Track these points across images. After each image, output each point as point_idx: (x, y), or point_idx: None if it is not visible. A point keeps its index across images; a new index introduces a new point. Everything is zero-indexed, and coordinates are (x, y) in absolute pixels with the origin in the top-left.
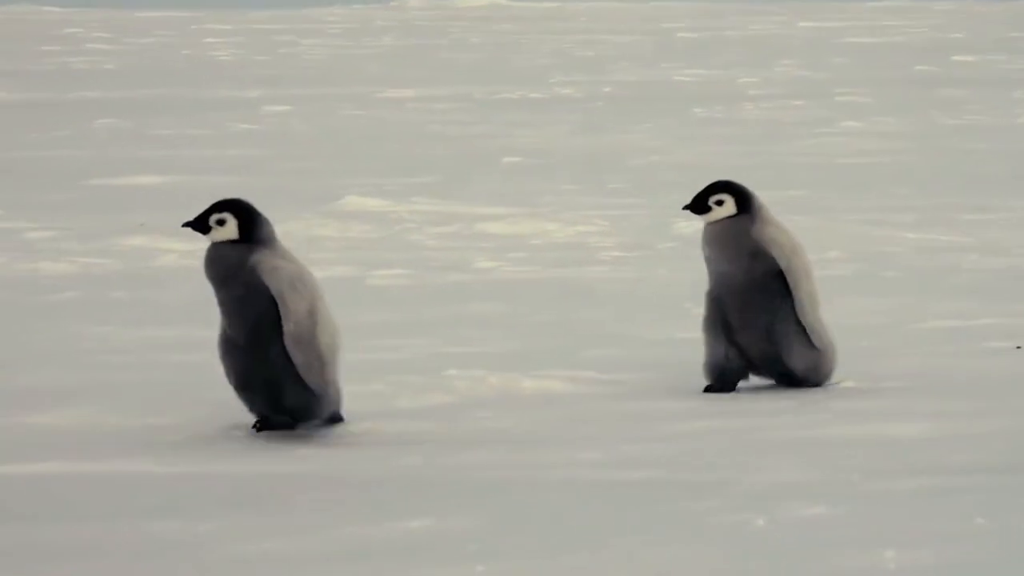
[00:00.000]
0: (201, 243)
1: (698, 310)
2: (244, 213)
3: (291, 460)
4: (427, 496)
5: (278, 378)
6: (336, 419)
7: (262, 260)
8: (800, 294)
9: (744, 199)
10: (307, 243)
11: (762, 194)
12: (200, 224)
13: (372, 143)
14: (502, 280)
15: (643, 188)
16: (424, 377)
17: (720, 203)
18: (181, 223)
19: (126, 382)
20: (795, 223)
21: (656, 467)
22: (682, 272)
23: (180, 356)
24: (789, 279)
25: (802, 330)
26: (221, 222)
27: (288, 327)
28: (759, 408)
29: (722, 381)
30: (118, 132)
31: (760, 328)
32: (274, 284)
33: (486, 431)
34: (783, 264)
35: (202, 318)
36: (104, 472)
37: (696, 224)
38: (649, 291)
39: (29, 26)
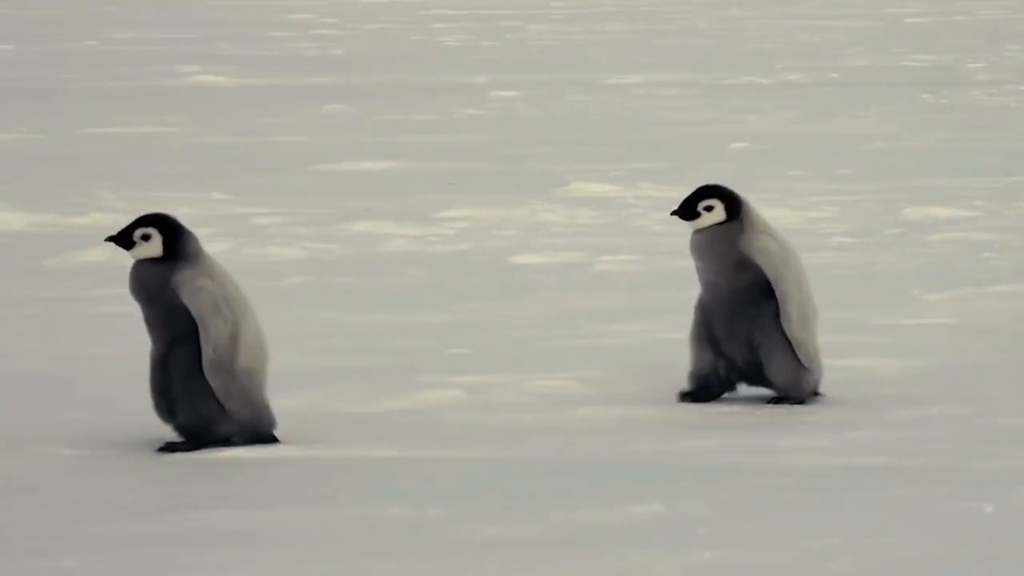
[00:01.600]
0: (429, 228)
1: (927, 296)
2: (169, 229)
3: (516, 446)
4: (655, 481)
5: (188, 397)
6: (268, 439)
7: (185, 280)
8: (788, 306)
9: (734, 205)
10: (533, 228)
11: (989, 181)
12: (124, 239)
13: (598, 129)
14: None
15: (872, 174)
16: (650, 362)
17: (709, 209)
18: (105, 238)
19: (353, 367)
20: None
21: (883, 454)
22: (910, 259)
23: (407, 341)
24: (777, 290)
25: (787, 343)
26: (146, 237)
27: (207, 352)
28: (986, 394)
29: (703, 390)
30: (346, 118)
31: (744, 339)
32: (195, 307)
33: (714, 416)
34: (771, 275)
35: (430, 302)
36: (332, 457)
37: (928, 211)
38: (877, 277)
39: (258, 12)
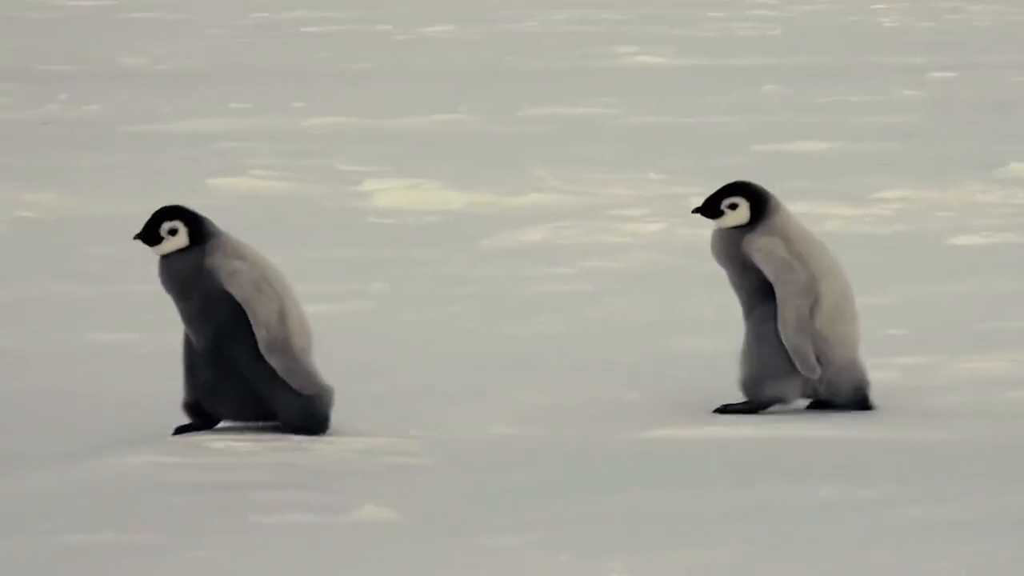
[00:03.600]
0: (865, 209)
1: None
2: (192, 218)
3: (947, 428)
4: None
5: (251, 387)
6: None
7: (218, 264)
8: (784, 310)
9: (761, 204)
10: (970, 210)
11: None
12: (150, 236)
13: None
14: None
15: None
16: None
17: (734, 207)
18: (133, 236)
19: None
20: None
21: None
22: None
23: None
24: (776, 294)
25: (763, 346)
26: (173, 231)
27: (260, 334)
28: None
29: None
30: (783, 98)
31: (744, 345)
32: (238, 291)
33: None
34: (770, 276)
35: (866, 283)
36: (762, 437)
37: None
38: None
39: None
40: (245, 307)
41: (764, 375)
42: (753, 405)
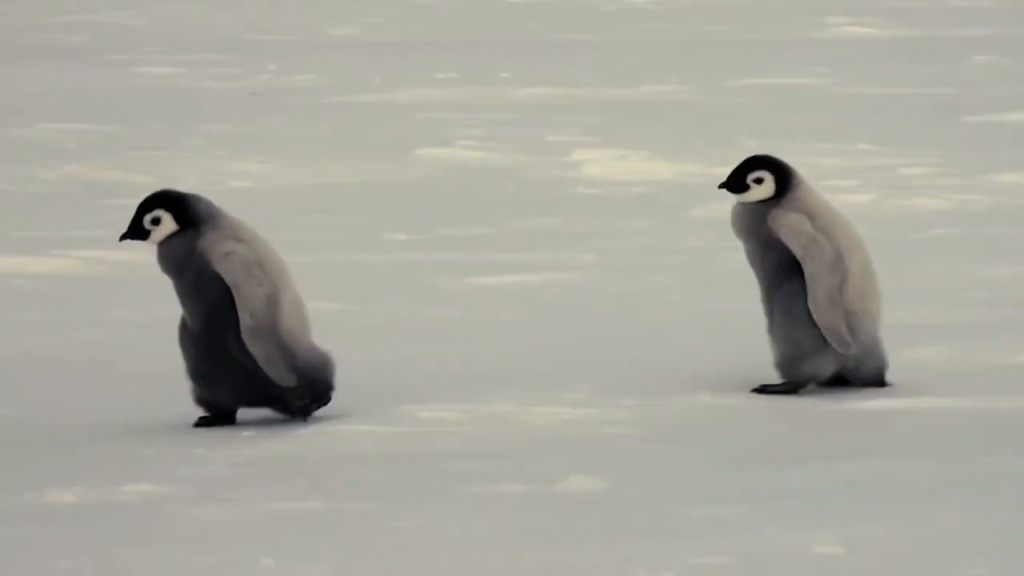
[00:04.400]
0: None
1: None
2: (175, 203)
3: None
4: None
5: (239, 369)
6: (326, 396)
7: (211, 245)
8: (814, 288)
9: (785, 178)
10: None
11: None
12: (136, 231)
13: None
14: None
15: None
16: None
17: (759, 181)
18: (119, 237)
19: (993, 320)
20: None
21: None
22: None
23: None
24: (805, 271)
25: (797, 323)
26: (156, 221)
27: (244, 320)
28: None
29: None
30: (994, 68)
31: (774, 324)
32: (227, 273)
33: None
34: (797, 253)
35: None
36: (965, 409)
37: None
38: None
39: None
40: (233, 290)
41: (799, 354)
42: (791, 385)
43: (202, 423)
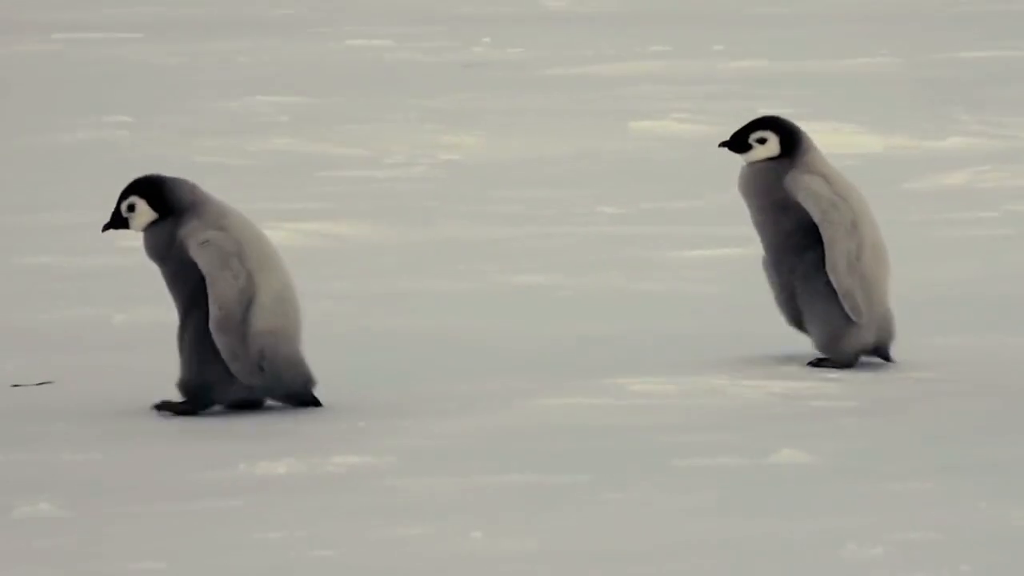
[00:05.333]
0: None
1: None
2: (151, 189)
3: None
4: None
5: (193, 358)
6: (308, 400)
7: (191, 233)
8: (833, 253)
9: (791, 139)
10: None
11: None
12: (116, 220)
13: None
14: None
15: None
16: None
17: (762, 141)
18: (102, 228)
19: None
20: None
21: None
22: None
23: None
24: (823, 235)
25: (831, 294)
26: (131, 207)
27: (212, 310)
28: None
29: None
30: None
31: (787, 290)
32: (202, 262)
33: None
34: (816, 217)
35: None
36: None
37: None
38: None
39: None
40: (207, 280)
41: (835, 333)
42: (840, 362)
43: (164, 407)
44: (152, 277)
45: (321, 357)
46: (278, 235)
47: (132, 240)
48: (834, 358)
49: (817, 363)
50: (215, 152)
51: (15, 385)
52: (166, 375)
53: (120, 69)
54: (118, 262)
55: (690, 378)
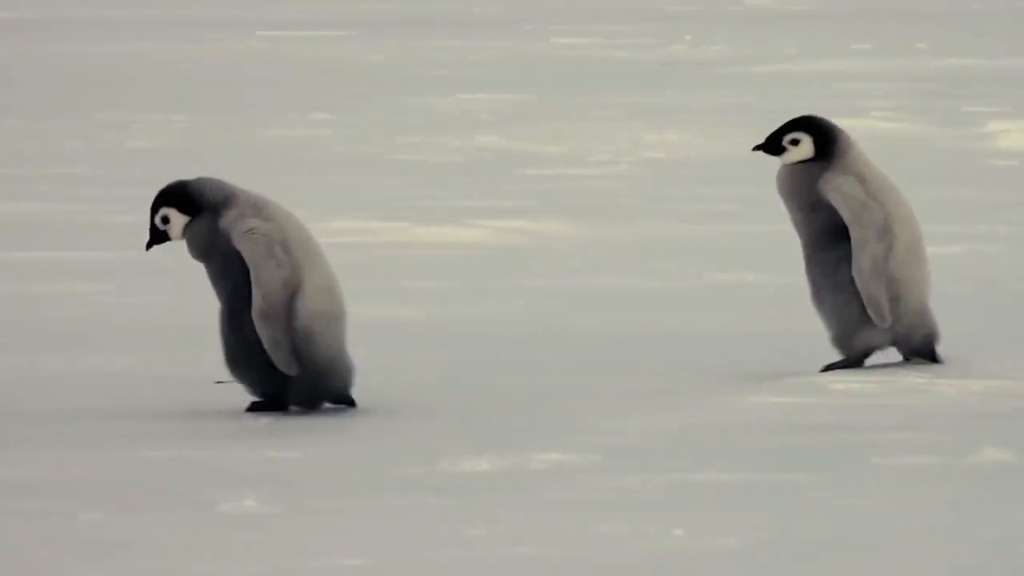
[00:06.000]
0: None
1: None
2: (176, 196)
3: None
4: None
5: (254, 355)
6: (342, 400)
7: (232, 223)
8: (860, 254)
9: (826, 139)
10: None
11: None
12: (155, 235)
13: None
14: None
15: None
16: None
17: (796, 143)
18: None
19: None
20: None
21: None
22: None
23: None
24: (852, 236)
25: (850, 294)
26: (165, 220)
27: (256, 299)
28: None
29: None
30: None
31: (815, 288)
32: (248, 251)
33: None
34: (845, 217)
35: None
36: None
37: None
38: None
39: None
40: (251, 268)
41: (849, 328)
42: (851, 360)
43: (254, 408)
44: (346, 272)
45: (517, 354)
46: (478, 233)
47: (333, 237)
48: (845, 355)
49: (828, 368)
50: (416, 150)
51: (218, 382)
52: (383, 371)
53: (324, 66)
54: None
55: (889, 376)
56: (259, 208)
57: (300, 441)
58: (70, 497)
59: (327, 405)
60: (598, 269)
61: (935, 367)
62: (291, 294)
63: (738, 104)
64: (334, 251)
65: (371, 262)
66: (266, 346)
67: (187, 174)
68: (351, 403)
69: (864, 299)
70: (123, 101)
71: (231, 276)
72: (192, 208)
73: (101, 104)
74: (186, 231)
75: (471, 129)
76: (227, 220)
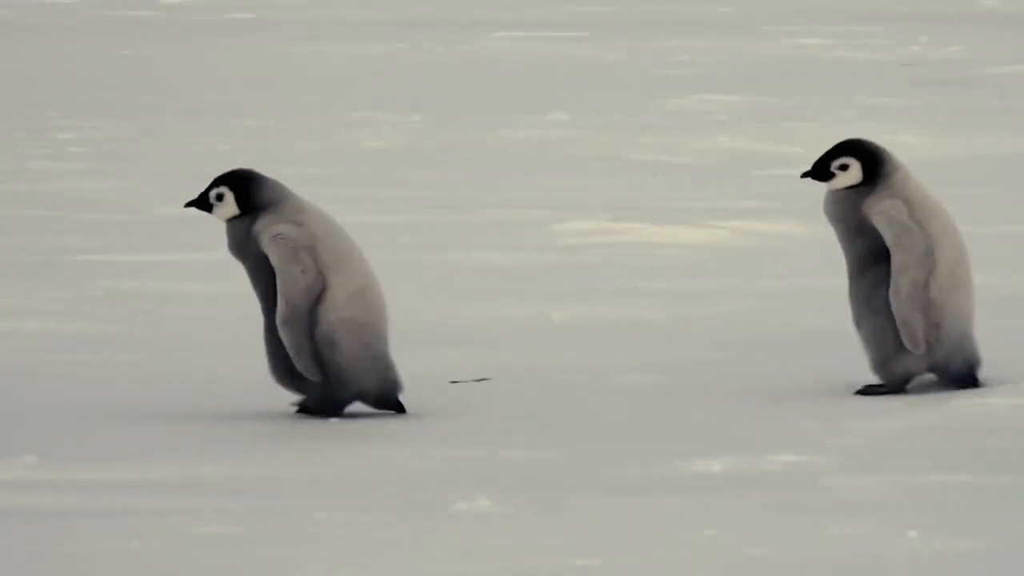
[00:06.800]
0: None
1: None
2: (239, 183)
3: None
4: None
5: (280, 357)
6: (388, 406)
7: (263, 228)
8: (899, 278)
9: (874, 163)
10: None
11: None
12: (202, 202)
13: None
14: None
15: None
16: None
17: (844, 168)
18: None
19: None
20: None
21: None
22: None
23: None
24: (893, 260)
25: (887, 319)
26: (220, 197)
27: (279, 304)
28: None
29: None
30: None
31: (856, 311)
32: (274, 256)
33: None
34: (888, 240)
35: None
36: None
37: None
38: None
39: None
40: (276, 273)
41: (887, 354)
42: (890, 386)
43: (301, 410)
44: (582, 273)
45: (749, 356)
46: (715, 234)
47: (569, 238)
48: (884, 379)
49: (866, 391)
50: (656, 150)
51: (453, 381)
52: (617, 370)
53: (561, 67)
54: (554, 259)
55: None
56: (297, 213)
57: (532, 440)
58: (297, 496)
59: (377, 411)
60: (828, 269)
61: None
62: (315, 300)
63: (976, 105)
64: (566, 252)
65: (606, 262)
66: (289, 351)
67: (420, 173)
68: (400, 409)
69: (898, 324)
70: (359, 101)
71: (263, 279)
72: (246, 203)
73: (339, 104)
74: (231, 223)
75: (709, 130)
76: (261, 224)
